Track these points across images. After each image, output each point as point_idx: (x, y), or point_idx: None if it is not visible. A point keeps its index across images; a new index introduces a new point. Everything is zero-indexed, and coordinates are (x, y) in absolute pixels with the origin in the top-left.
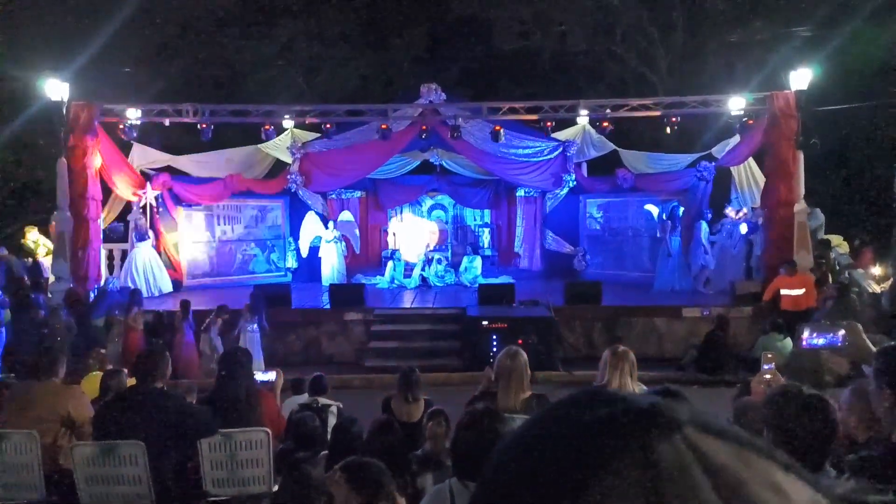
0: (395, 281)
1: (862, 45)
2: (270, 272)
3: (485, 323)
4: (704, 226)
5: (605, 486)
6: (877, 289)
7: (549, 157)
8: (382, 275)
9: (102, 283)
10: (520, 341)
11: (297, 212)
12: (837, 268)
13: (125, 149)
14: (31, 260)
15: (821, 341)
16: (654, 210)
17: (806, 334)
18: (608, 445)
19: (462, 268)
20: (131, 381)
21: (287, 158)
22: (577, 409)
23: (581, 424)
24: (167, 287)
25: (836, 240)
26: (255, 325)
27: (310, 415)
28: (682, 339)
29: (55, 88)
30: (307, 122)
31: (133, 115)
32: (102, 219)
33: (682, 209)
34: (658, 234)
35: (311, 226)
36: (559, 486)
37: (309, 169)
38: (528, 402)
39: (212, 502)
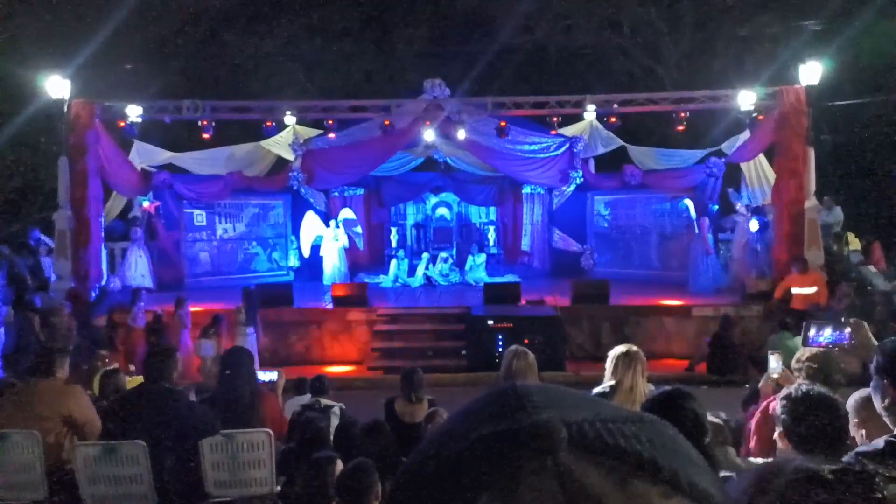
0: (399, 280)
1: (873, 39)
2: (272, 271)
3: (490, 322)
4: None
5: None
6: (888, 286)
7: (555, 153)
8: (386, 273)
9: (104, 282)
10: (525, 341)
11: (298, 210)
12: (849, 264)
13: (126, 147)
14: (32, 259)
15: (826, 339)
16: (691, 206)
17: (812, 332)
18: (481, 475)
19: (467, 266)
20: (130, 381)
21: (289, 155)
22: (472, 421)
23: (466, 445)
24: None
25: (847, 237)
26: (251, 328)
27: (318, 416)
28: (692, 338)
29: (56, 86)
30: (309, 118)
31: (134, 112)
32: (104, 217)
33: (716, 206)
34: (696, 232)
35: (310, 225)
36: None
37: (311, 166)
38: None
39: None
